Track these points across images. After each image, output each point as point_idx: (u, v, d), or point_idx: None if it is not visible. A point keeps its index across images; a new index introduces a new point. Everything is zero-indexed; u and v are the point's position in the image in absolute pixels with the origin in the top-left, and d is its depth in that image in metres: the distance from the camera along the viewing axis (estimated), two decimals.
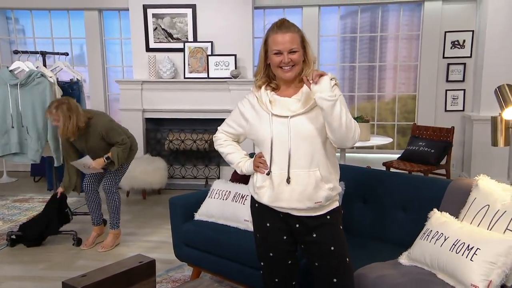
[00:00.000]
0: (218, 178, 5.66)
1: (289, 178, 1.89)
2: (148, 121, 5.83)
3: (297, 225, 1.98)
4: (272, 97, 1.96)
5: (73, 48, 6.41)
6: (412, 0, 5.63)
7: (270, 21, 5.82)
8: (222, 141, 2.14)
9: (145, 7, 5.68)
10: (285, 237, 2.02)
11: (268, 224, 2.03)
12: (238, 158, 2.09)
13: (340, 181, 2.05)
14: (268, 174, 1.93)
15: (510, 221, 2.04)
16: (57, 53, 4.32)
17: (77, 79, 4.28)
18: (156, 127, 5.86)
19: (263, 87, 1.99)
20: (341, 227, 2.02)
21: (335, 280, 1.96)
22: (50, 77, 3.64)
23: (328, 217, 1.97)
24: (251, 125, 2.00)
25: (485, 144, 5.11)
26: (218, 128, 2.18)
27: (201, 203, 3.08)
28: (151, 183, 5.17)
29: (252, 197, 2.08)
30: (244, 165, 2.05)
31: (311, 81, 1.81)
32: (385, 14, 5.83)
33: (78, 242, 3.85)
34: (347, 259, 1.99)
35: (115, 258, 3.47)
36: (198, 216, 3.04)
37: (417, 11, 5.75)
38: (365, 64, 5.94)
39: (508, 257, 1.90)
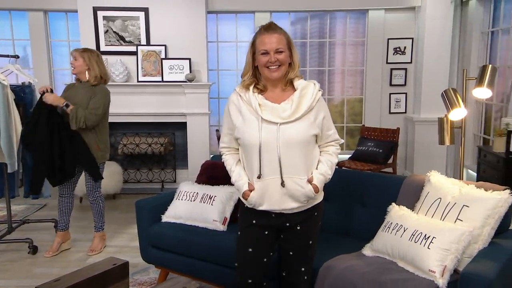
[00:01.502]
0: (174, 181, 5.67)
1: (283, 182, 1.98)
2: None
3: (287, 224, 2.10)
4: (261, 101, 2.01)
5: (16, 50, 6.13)
6: (357, 9, 5.93)
7: (222, 26, 5.94)
8: (230, 165, 2.15)
9: (95, 9, 5.57)
10: (266, 232, 2.12)
11: (254, 221, 2.11)
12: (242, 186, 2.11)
13: None
14: (258, 177, 2.00)
15: (460, 211, 2.27)
16: (7, 56, 4.15)
17: (29, 82, 4.14)
18: (110, 131, 5.73)
19: (251, 89, 2.04)
20: (320, 223, 2.20)
21: (303, 269, 2.16)
22: (3, 80, 3.50)
23: (316, 213, 2.12)
24: (238, 128, 2.06)
25: (426, 143, 5.51)
26: (220, 147, 2.21)
27: (168, 206, 3.11)
28: (106, 188, 5.05)
29: (241, 201, 2.15)
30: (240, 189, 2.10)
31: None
32: (333, 21, 6.10)
33: (34, 250, 3.73)
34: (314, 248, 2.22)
35: (76, 265, 3.41)
36: (165, 218, 3.06)
37: (362, 19, 6.07)
38: (315, 68, 6.18)
39: (459, 244, 2.12)
